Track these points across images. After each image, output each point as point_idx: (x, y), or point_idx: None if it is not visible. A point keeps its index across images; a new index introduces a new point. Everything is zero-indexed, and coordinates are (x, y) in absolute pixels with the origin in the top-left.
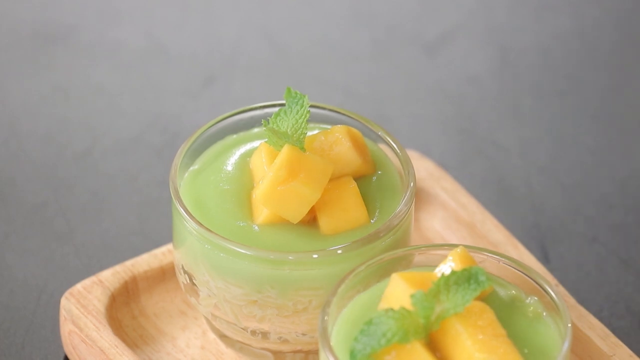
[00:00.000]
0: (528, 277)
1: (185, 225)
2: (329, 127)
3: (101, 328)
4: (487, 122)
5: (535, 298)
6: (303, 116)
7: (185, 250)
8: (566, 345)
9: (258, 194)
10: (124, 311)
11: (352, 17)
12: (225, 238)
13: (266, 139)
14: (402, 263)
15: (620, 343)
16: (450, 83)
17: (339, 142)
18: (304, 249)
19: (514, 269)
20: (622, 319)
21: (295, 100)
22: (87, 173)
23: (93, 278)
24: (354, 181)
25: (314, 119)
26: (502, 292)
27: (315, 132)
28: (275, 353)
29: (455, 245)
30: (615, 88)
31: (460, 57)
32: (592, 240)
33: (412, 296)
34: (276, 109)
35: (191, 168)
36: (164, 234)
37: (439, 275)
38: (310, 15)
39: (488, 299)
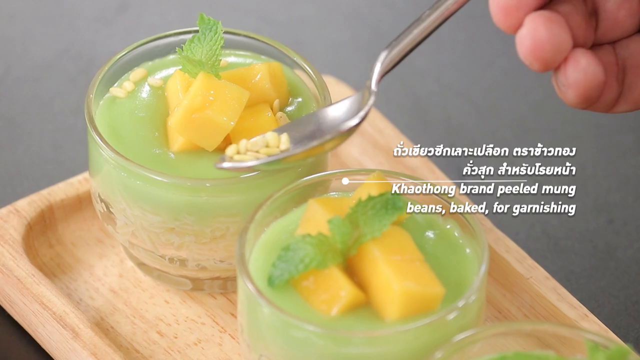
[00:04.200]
0: (445, 201)
1: (101, 153)
2: (243, 53)
3: (17, 257)
4: None
5: (453, 222)
6: (217, 43)
7: (102, 178)
8: (483, 268)
9: (173, 122)
10: (41, 240)
11: None
12: (141, 165)
13: (181, 67)
14: (319, 189)
15: (537, 265)
16: (366, 7)
17: (258, 80)
18: (220, 176)
19: (430, 194)
20: (538, 242)
21: (209, 27)
22: (0, 101)
23: (9, 207)
24: (270, 109)
25: (229, 46)
26: (419, 216)
27: (231, 58)
28: (193, 280)
29: (372, 171)
30: None
31: None
32: (508, 164)
33: (329, 221)
34: (191, 36)
35: (106, 95)
36: (79, 162)
37: (355, 200)
38: None
39: (405, 223)
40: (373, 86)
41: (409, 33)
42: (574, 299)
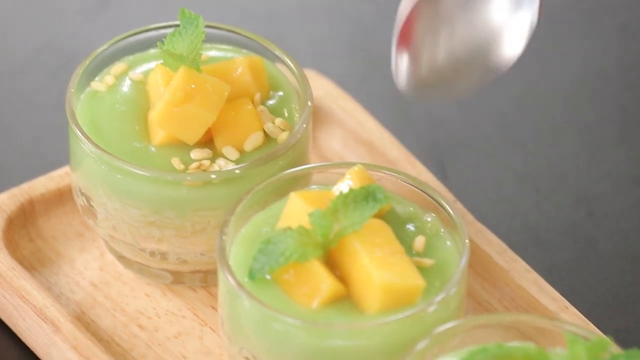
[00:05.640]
0: (426, 194)
1: (82, 147)
2: (224, 47)
3: None
4: (385, 41)
5: (433, 215)
6: (198, 37)
7: (82, 172)
8: (464, 261)
9: (154, 115)
10: (21, 234)
11: None
12: (122, 159)
13: (162, 61)
14: (300, 182)
15: (517, 258)
16: (348, 2)
17: (239, 74)
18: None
19: (411, 187)
20: (518, 234)
21: (190, 21)
22: None
23: None
24: (251, 102)
25: (210, 40)
26: (400, 209)
27: (212, 52)
28: (174, 273)
29: (353, 164)
30: None
31: None
32: (490, 157)
33: (310, 215)
34: (172, 30)
35: (87, 90)
36: (60, 157)
37: (337, 193)
38: None
39: (386, 216)
40: None
41: None
42: (555, 291)
